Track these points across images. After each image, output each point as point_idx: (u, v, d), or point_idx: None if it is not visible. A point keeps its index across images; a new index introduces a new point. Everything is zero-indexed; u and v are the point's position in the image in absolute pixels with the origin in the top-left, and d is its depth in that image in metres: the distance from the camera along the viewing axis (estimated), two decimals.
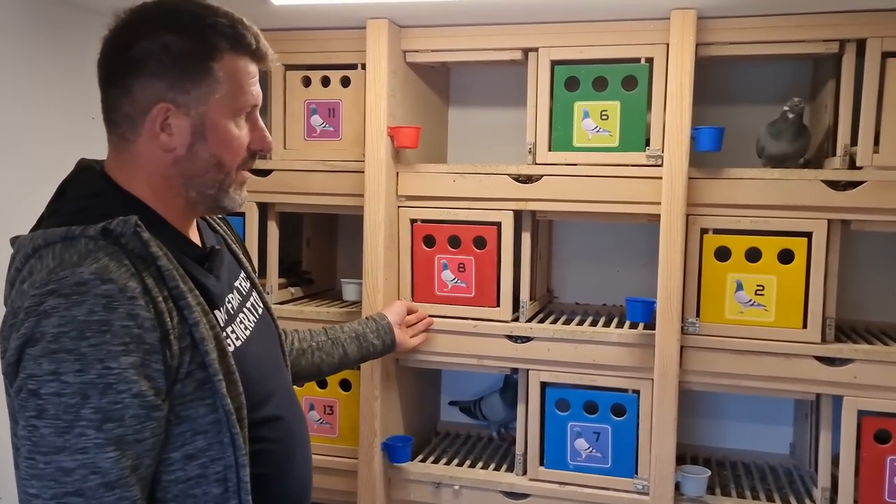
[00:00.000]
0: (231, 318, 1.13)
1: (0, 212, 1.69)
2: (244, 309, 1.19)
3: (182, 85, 1.01)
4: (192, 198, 1.08)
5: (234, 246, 1.27)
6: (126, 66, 1.01)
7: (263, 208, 2.07)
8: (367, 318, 1.80)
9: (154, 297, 0.96)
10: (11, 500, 1.50)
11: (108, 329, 0.91)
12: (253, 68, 1.08)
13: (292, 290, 2.20)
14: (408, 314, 1.89)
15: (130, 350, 0.92)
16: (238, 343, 1.12)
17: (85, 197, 1.04)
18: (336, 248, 2.44)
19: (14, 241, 1.04)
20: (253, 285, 1.26)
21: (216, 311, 1.08)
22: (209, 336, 1.01)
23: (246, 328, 1.16)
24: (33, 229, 1.04)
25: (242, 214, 2.04)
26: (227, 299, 1.14)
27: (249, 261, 1.31)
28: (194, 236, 1.16)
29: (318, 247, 2.36)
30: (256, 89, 1.09)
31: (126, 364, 0.91)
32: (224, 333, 1.08)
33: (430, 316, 1.98)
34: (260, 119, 1.12)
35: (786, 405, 2.15)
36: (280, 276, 2.14)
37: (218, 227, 1.26)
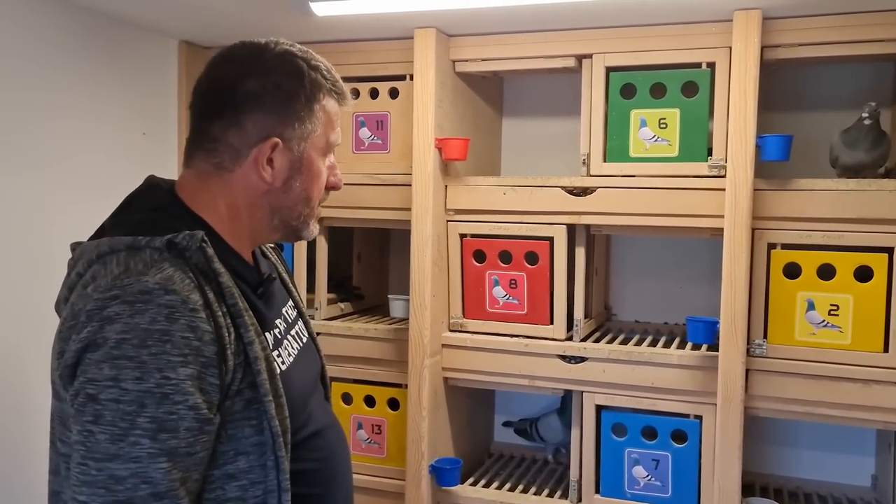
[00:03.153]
0: (278, 342, 1.14)
1: (54, 223, 1.71)
2: (289, 335, 1.20)
3: (291, 122, 1.07)
4: (274, 225, 1.12)
5: (283, 275, 1.29)
6: (238, 101, 1.05)
7: None
8: None
9: (214, 311, 0.97)
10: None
11: (168, 339, 0.92)
12: (339, 110, 1.14)
13: (342, 305, 2.17)
14: None
15: (189, 362, 0.93)
16: (283, 367, 1.12)
17: (150, 210, 1.07)
18: (388, 263, 2.40)
19: (75, 246, 1.06)
20: (300, 314, 1.28)
21: (266, 334, 1.09)
22: (262, 356, 1.02)
23: (290, 354, 1.17)
24: (94, 237, 1.05)
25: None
26: (276, 323, 1.15)
27: (296, 290, 1.33)
28: (251, 261, 1.17)
29: (369, 262, 2.32)
30: (339, 130, 1.15)
31: (184, 375, 0.92)
32: (273, 355, 1.08)
33: (481, 334, 1.91)
34: (334, 157, 1.17)
35: (867, 433, 2.00)
36: (330, 292, 2.11)
37: (270, 256, 1.29)
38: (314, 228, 1.16)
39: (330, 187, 1.15)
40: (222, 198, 1.09)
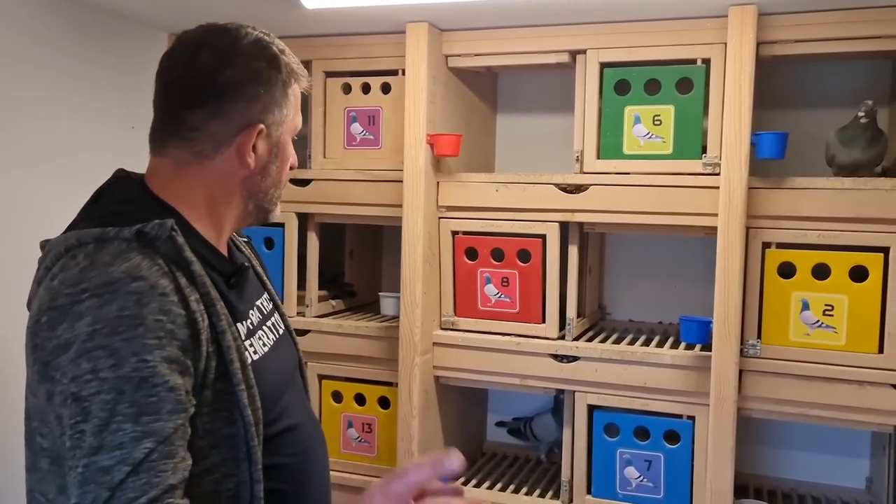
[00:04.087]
0: (251, 333, 1.13)
1: (38, 219, 1.68)
2: (264, 327, 1.19)
3: (271, 108, 1.08)
4: (249, 210, 1.13)
5: (258, 268, 1.28)
6: (217, 90, 1.05)
7: (303, 219, 2.02)
8: None
9: (186, 296, 0.96)
10: None
11: (140, 323, 0.91)
12: (300, 93, 1.16)
13: (333, 302, 2.15)
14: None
15: (164, 344, 0.92)
16: (255, 357, 1.11)
17: (120, 202, 1.06)
18: (381, 261, 2.38)
19: (45, 243, 1.05)
20: (276, 307, 1.27)
21: (237, 324, 1.08)
22: (233, 346, 1.01)
23: (264, 344, 1.15)
24: (65, 232, 1.04)
25: (282, 226, 2.00)
26: (248, 315, 1.14)
27: (271, 283, 1.32)
28: (225, 252, 1.16)
29: (362, 259, 2.30)
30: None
31: (160, 357, 0.91)
32: (244, 346, 1.07)
33: (472, 332, 1.89)
34: None
35: (862, 435, 1.97)
36: (321, 289, 2.09)
37: (243, 250, 1.28)
38: (277, 210, 1.19)
39: (291, 167, 1.18)
40: (200, 186, 1.08)
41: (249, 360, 1.06)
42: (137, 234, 0.97)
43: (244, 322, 1.11)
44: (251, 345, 1.11)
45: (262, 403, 1.04)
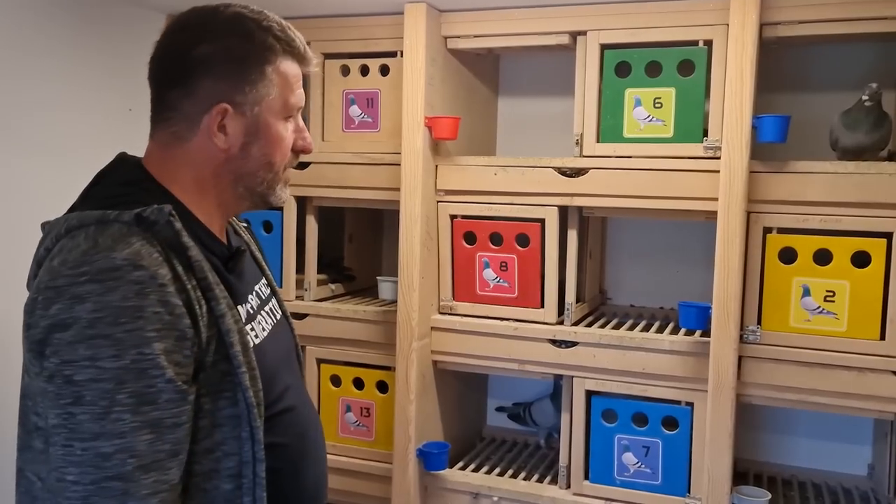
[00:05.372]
0: (251, 317, 1.14)
1: (38, 204, 1.68)
2: (263, 311, 1.19)
3: (241, 87, 1.05)
4: (239, 193, 1.11)
5: (255, 253, 1.29)
6: (189, 68, 1.04)
7: (302, 202, 2.01)
8: None
9: (184, 284, 0.97)
10: None
11: (140, 315, 0.92)
12: (299, 71, 1.11)
13: (332, 286, 2.14)
14: None
15: (162, 336, 0.93)
16: (257, 340, 1.12)
17: (120, 184, 1.06)
18: (381, 245, 2.36)
19: (45, 225, 1.06)
20: (273, 292, 1.27)
21: (238, 307, 1.09)
22: (234, 329, 1.02)
23: (264, 329, 1.17)
24: (66, 214, 1.05)
25: (281, 209, 1.98)
26: (248, 298, 1.15)
27: (269, 268, 1.32)
28: (223, 236, 1.16)
29: (361, 242, 2.29)
30: (301, 92, 1.12)
31: (159, 350, 0.92)
32: (245, 329, 1.08)
33: (470, 317, 1.88)
34: (301, 120, 1.15)
35: (864, 422, 1.95)
36: (320, 273, 2.08)
37: (242, 234, 1.28)
38: (282, 194, 1.14)
39: (298, 150, 1.14)
40: (187, 169, 1.08)
41: (252, 344, 1.07)
42: (137, 217, 0.97)
43: (244, 305, 1.12)
44: (252, 329, 1.11)
45: (263, 385, 1.05)
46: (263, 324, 1.16)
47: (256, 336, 1.12)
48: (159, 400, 0.92)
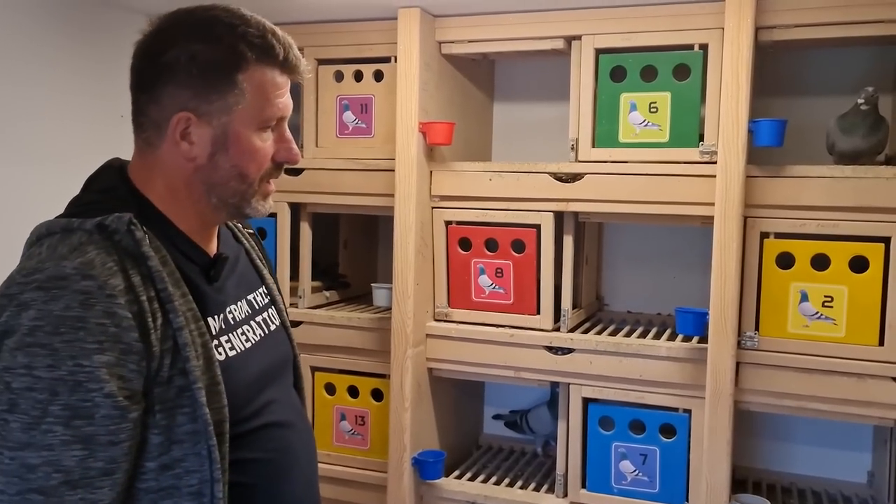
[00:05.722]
0: (229, 328, 1.10)
1: (27, 210, 1.66)
2: (251, 322, 1.16)
3: (206, 95, 1.01)
4: (214, 204, 1.07)
5: (258, 261, 1.25)
6: (156, 73, 1.02)
7: (295, 209, 2.00)
8: None
9: (138, 294, 0.94)
10: None
11: (82, 326, 0.90)
12: (281, 80, 1.05)
13: (327, 293, 2.12)
14: None
15: (105, 349, 0.90)
16: (232, 353, 1.08)
17: (98, 191, 1.05)
18: (376, 251, 2.35)
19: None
20: (272, 302, 1.24)
21: (209, 319, 1.05)
22: (195, 343, 0.99)
23: (249, 340, 1.13)
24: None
25: (274, 216, 1.97)
26: (228, 309, 1.11)
27: (273, 277, 1.28)
28: (210, 244, 1.13)
29: (357, 249, 2.28)
30: (284, 101, 1.06)
31: (99, 363, 0.90)
32: (216, 342, 1.05)
33: (466, 324, 1.86)
34: (287, 130, 1.09)
35: (864, 429, 1.94)
36: (315, 280, 2.07)
37: (243, 240, 1.24)
38: (260, 206, 1.08)
39: (281, 161, 1.08)
40: (160, 176, 1.05)
41: (223, 357, 1.04)
42: (98, 226, 0.96)
43: (218, 317, 1.08)
44: (228, 340, 1.08)
45: (236, 400, 1.02)
46: (249, 335, 1.13)
47: (232, 348, 1.08)
48: (95, 415, 0.89)
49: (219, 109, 1.01)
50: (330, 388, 2.00)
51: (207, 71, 1.00)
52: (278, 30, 1.05)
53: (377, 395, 1.96)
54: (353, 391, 1.98)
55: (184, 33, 1.01)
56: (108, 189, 1.05)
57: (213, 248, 1.13)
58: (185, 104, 1.00)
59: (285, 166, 1.11)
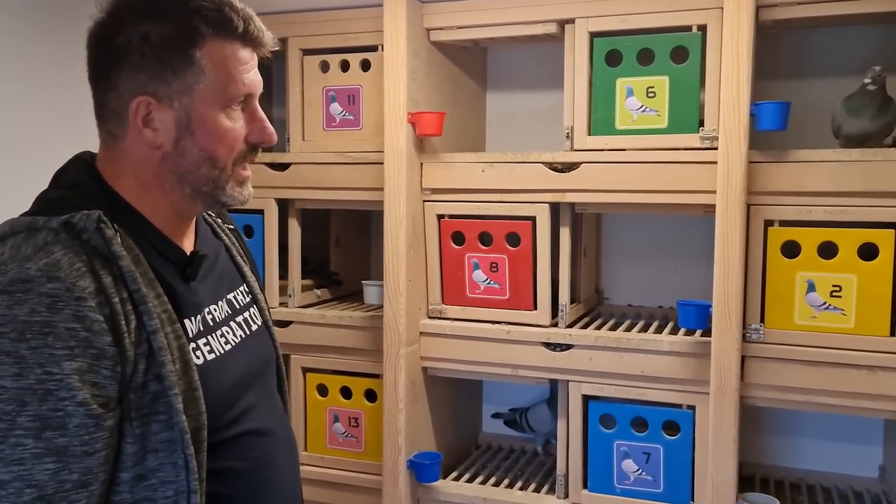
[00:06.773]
0: (208, 330, 1.05)
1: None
2: (231, 322, 1.11)
3: (163, 76, 0.95)
4: (187, 194, 1.02)
5: (238, 258, 1.20)
6: (109, 59, 0.97)
7: (283, 205, 1.93)
8: None
9: (110, 296, 0.90)
10: None
11: (50, 331, 0.85)
12: (244, 54, 1.00)
13: (318, 292, 2.06)
14: None
15: (76, 354, 0.86)
16: (210, 356, 1.03)
17: (65, 187, 1.00)
18: (368, 248, 2.29)
19: None
20: (254, 300, 1.19)
21: (186, 321, 1.00)
22: (170, 346, 0.94)
23: (228, 342, 1.08)
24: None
25: (261, 212, 1.91)
26: (206, 309, 1.06)
27: (255, 275, 1.23)
28: (186, 240, 1.08)
29: (348, 246, 2.21)
30: (250, 77, 1.01)
31: (70, 369, 0.85)
32: (193, 345, 1.00)
33: (461, 321, 1.80)
34: (259, 109, 1.03)
35: (874, 422, 1.88)
36: (306, 278, 2.01)
37: (223, 237, 1.19)
38: (236, 193, 1.03)
39: (255, 142, 1.03)
40: (128, 169, 1.00)
41: (200, 361, 1.00)
42: (65, 224, 0.91)
43: (195, 318, 1.03)
44: (206, 343, 1.03)
45: (214, 406, 0.98)
46: (229, 336, 1.08)
47: (210, 351, 1.03)
48: (68, 425, 0.85)
49: (178, 90, 0.96)
50: (322, 390, 1.94)
51: (161, 50, 0.95)
52: (237, 2, 0.99)
53: (371, 395, 1.90)
54: (347, 392, 1.92)
55: (133, 14, 0.96)
56: (77, 184, 1.00)
57: (189, 245, 1.08)
58: (143, 88, 0.95)
59: (261, 148, 1.05)
